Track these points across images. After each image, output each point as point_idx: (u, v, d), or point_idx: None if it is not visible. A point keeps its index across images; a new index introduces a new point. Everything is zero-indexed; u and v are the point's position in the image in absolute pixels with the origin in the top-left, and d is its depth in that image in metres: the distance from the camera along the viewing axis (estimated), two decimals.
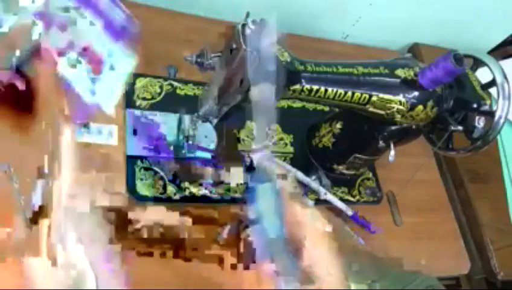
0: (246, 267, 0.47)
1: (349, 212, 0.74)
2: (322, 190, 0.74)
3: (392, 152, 0.68)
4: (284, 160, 0.76)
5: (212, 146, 0.70)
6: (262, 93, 0.49)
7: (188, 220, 0.51)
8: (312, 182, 0.74)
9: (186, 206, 0.60)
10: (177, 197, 0.65)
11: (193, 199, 0.66)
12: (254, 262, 0.44)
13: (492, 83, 0.64)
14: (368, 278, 0.45)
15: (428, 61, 0.60)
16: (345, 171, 0.78)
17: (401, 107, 0.61)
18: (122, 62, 0.54)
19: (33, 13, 0.50)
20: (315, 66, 0.59)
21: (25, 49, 0.50)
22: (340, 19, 0.98)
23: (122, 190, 0.62)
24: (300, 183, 0.75)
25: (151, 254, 0.48)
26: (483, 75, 0.66)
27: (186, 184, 0.67)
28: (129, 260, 0.44)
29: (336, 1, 0.92)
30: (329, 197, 0.74)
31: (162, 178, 0.66)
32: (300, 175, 0.74)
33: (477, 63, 0.68)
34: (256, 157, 0.51)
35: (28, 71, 0.52)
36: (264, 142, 0.49)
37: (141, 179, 0.65)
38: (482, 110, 0.64)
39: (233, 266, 0.48)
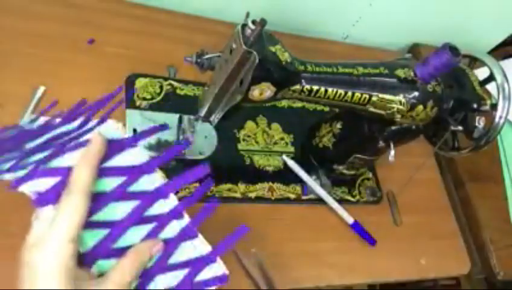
0: None
1: (350, 220, 0.74)
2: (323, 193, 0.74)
3: (392, 152, 0.68)
4: None
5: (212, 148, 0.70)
6: None
7: None
8: (319, 188, 0.74)
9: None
10: (177, 196, 0.65)
11: None
12: None
13: (490, 78, 0.64)
14: None
15: None
16: (345, 171, 0.78)
17: (401, 107, 0.61)
18: None
19: None
20: (315, 66, 0.59)
21: None
22: (340, 19, 0.98)
23: None
24: (302, 183, 0.75)
25: None
26: (483, 75, 0.66)
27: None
28: None
29: (336, 1, 0.92)
30: (330, 201, 0.74)
31: None
32: (306, 177, 0.74)
33: (474, 62, 0.68)
34: None
35: None
36: None
37: None
38: (482, 110, 0.64)
39: None
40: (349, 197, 0.78)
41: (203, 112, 0.62)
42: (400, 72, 0.61)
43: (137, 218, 0.45)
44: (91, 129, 0.48)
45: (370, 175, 0.82)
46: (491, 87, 0.66)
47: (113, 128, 0.48)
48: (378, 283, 1.04)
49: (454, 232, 0.85)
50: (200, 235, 0.48)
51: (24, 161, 0.45)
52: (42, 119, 0.53)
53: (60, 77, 0.68)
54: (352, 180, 0.80)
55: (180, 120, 0.68)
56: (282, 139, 0.79)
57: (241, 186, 0.70)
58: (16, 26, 0.69)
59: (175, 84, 0.75)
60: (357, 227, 0.74)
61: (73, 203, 0.37)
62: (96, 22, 0.75)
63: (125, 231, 0.44)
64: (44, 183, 0.40)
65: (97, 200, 0.42)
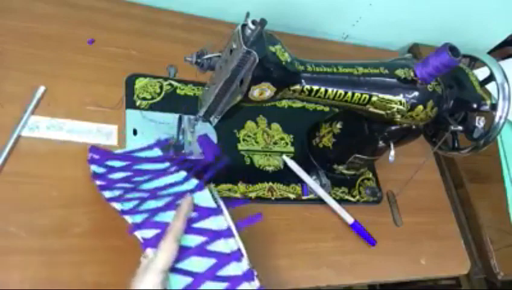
0: None
1: (350, 220, 0.74)
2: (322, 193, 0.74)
3: (392, 152, 0.68)
4: None
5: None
6: None
7: None
8: (319, 188, 0.75)
9: None
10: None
11: None
12: None
13: (490, 78, 0.64)
14: None
15: None
16: (345, 171, 0.78)
17: (401, 107, 0.61)
18: None
19: None
20: (315, 66, 0.59)
21: None
22: (340, 19, 0.98)
23: None
24: (302, 183, 0.75)
25: None
26: (483, 75, 0.66)
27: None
28: None
29: (335, 1, 0.92)
30: (330, 201, 0.74)
31: None
32: (306, 177, 0.74)
33: (474, 62, 0.68)
34: None
35: None
36: None
37: None
38: (482, 110, 0.64)
39: None
40: (349, 197, 0.78)
41: (203, 112, 0.62)
42: (400, 72, 0.61)
43: (213, 274, 0.52)
44: (192, 191, 0.58)
45: (370, 175, 0.82)
46: (491, 87, 0.66)
47: (206, 197, 0.57)
48: (378, 283, 1.03)
49: (454, 232, 0.85)
50: (245, 258, 0.54)
51: (129, 195, 0.56)
52: (155, 151, 0.65)
53: (60, 77, 0.68)
54: (352, 180, 0.80)
55: (180, 120, 0.68)
56: (282, 139, 0.79)
57: (241, 187, 0.70)
58: (16, 26, 0.69)
59: (175, 84, 0.75)
60: (357, 227, 0.74)
61: (167, 246, 0.49)
62: (96, 22, 0.75)
63: (203, 282, 0.51)
64: (150, 233, 0.51)
65: (183, 252, 0.51)
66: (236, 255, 0.54)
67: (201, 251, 0.53)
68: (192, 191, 0.58)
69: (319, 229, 0.73)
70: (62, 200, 0.59)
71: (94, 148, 0.62)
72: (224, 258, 0.53)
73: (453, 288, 1.26)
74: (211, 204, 0.57)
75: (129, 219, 0.53)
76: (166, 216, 0.54)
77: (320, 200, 0.74)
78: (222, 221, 0.56)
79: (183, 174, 0.61)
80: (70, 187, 0.59)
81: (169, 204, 0.56)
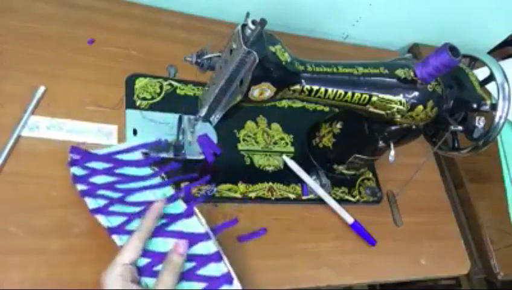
0: None
1: (350, 220, 0.74)
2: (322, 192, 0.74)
3: (392, 152, 0.68)
4: None
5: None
6: None
7: None
8: (319, 188, 0.75)
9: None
10: None
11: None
12: None
13: (490, 78, 0.64)
14: None
15: None
16: (345, 171, 0.78)
17: (401, 107, 0.61)
18: None
19: None
20: (315, 66, 0.59)
21: None
22: (340, 19, 0.98)
23: None
24: (302, 183, 0.75)
25: None
26: (483, 75, 0.66)
27: (186, 183, 0.67)
28: None
29: (336, 1, 0.92)
30: (330, 201, 0.74)
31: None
32: (306, 177, 0.74)
33: (474, 62, 0.68)
34: None
35: None
36: None
37: None
38: (482, 110, 0.64)
39: None
40: (349, 197, 0.78)
41: (203, 112, 0.62)
42: (400, 72, 0.61)
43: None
44: (180, 216, 0.59)
45: (370, 175, 0.82)
46: (491, 87, 0.66)
47: (194, 223, 0.58)
48: (378, 283, 1.03)
49: (454, 232, 0.85)
50: (235, 281, 0.55)
51: (115, 208, 0.57)
52: (138, 154, 0.65)
53: (60, 77, 0.68)
54: (352, 180, 0.80)
55: (180, 120, 0.68)
56: (282, 139, 0.79)
57: (241, 186, 0.70)
58: (16, 26, 0.69)
59: (175, 84, 0.75)
60: (357, 227, 0.74)
61: (133, 244, 0.52)
62: (96, 22, 0.75)
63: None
64: (141, 262, 0.53)
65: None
66: (226, 278, 0.54)
67: (191, 276, 0.54)
68: (180, 216, 0.58)
69: (319, 229, 0.73)
70: (62, 200, 0.59)
71: (74, 148, 0.60)
72: (214, 282, 0.54)
73: (453, 288, 1.26)
74: (200, 230, 0.58)
75: (117, 240, 0.54)
76: (157, 244, 0.55)
77: (320, 200, 0.74)
78: (211, 245, 0.56)
79: (170, 191, 0.62)
80: (70, 187, 0.59)
81: (159, 229, 0.56)
